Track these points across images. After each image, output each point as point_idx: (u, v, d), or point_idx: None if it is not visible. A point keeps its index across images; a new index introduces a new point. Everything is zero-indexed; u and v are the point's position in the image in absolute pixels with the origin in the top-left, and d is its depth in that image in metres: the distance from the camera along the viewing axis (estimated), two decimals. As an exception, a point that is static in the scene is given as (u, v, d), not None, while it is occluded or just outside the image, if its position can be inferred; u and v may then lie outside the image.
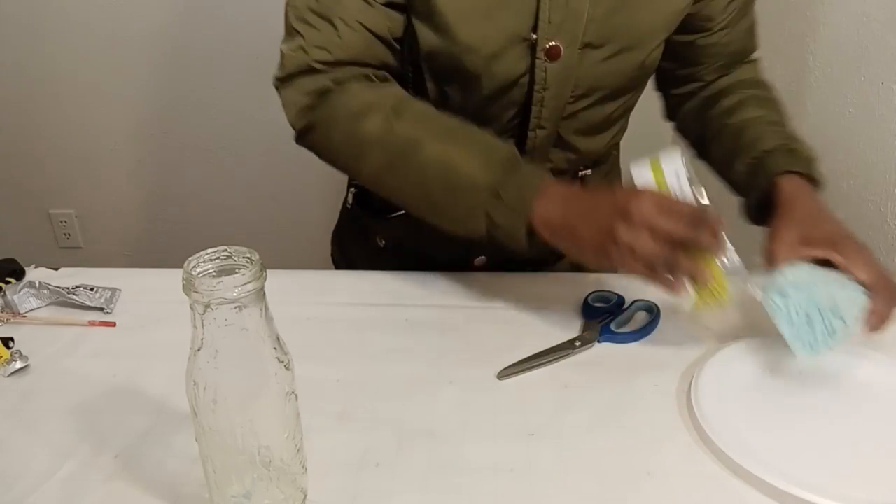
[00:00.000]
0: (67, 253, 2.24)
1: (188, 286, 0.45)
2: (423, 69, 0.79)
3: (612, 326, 0.75)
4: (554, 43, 0.74)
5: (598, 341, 0.74)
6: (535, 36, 0.74)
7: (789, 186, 0.75)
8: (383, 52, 0.77)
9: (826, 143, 1.21)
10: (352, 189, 0.98)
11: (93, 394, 0.68)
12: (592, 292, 0.81)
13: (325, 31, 0.73)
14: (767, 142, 0.79)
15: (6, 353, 0.71)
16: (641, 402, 0.66)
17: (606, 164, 0.94)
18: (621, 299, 0.80)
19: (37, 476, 0.58)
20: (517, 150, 0.71)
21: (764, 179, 0.77)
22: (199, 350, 0.47)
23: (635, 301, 0.79)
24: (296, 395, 0.52)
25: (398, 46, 0.78)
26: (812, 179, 0.77)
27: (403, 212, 0.90)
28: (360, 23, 0.74)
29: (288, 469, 0.53)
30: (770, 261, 0.69)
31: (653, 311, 0.78)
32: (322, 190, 1.98)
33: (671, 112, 0.95)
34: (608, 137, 0.88)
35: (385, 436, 0.62)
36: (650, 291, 0.76)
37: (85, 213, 2.18)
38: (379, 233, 0.94)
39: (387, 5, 0.74)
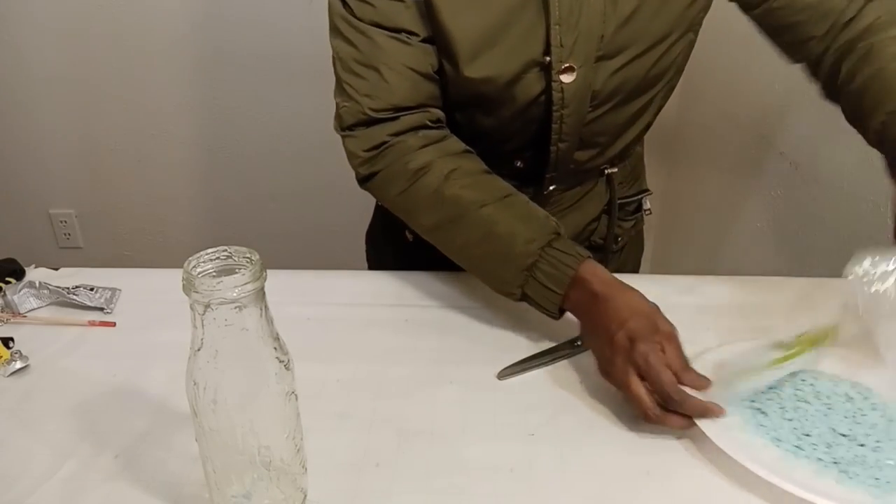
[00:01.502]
0: (67, 253, 2.24)
1: (188, 286, 0.45)
2: (449, 97, 0.81)
3: None
4: (568, 64, 0.75)
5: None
6: (548, 59, 0.75)
7: None
8: (430, 88, 0.78)
9: (826, 143, 1.21)
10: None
11: (93, 394, 0.68)
12: None
13: (371, 80, 0.75)
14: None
15: (6, 353, 0.71)
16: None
17: (631, 160, 0.94)
18: None
19: (37, 476, 0.58)
20: (558, 225, 0.72)
21: (889, 145, 0.71)
22: (199, 350, 0.47)
23: None
24: (296, 395, 0.52)
25: (440, 79, 0.79)
26: None
27: None
28: (404, 64, 0.75)
29: (288, 469, 0.53)
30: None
31: None
32: (322, 190, 1.98)
33: (824, 90, 0.85)
34: (634, 133, 0.88)
35: (385, 436, 0.62)
36: (674, 301, 0.77)
37: (85, 213, 2.18)
38: (407, 228, 0.95)
39: (423, 41, 0.76)
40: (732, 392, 0.63)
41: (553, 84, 0.76)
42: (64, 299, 0.80)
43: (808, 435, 0.60)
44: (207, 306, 0.45)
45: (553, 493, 0.57)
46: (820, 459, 0.57)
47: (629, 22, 0.75)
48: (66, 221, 2.19)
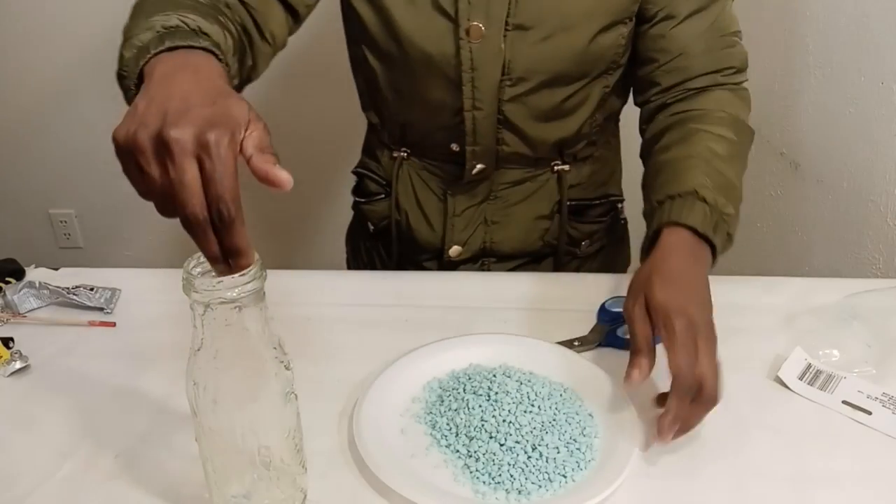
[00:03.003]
0: (67, 253, 2.23)
1: (188, 286, 0.45)
2: (365, 48, 0.82)
3: (619, 332, 0.74)
4: (475, 23, 0.75)
5: (601, 344, 0.73)
6: (455, 13, 0.75)
7: (667, 243, 0.67)
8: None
9: (826, 143, 1.21)
10: (355, 178, 1.00)
11: (93, 394, 0.68)
12: (612, 297, 0.80)
13: None
14: (679, 185, 0.70)
15: (6, 353, 0.71)
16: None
17: (592, 164, 0.91)
18: None
19: (37, 476, 0.58)
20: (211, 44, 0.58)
21: (653, 227, 0.70)
22: (198, 350, 0.47)
23: None
24: (296, 395, 0.52)
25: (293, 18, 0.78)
26: (709, 242, 0.68)
27: (384, 195, 0.94)
28: None
29: (288, 469, 0.53)
30: (628, 321, 0.64)
31: None
32: (321, 190, 1.98)
33: (641, 129, 0.86)
34: (568, 128, 0.85)
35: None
36: None
37: (85, 213, 2.18)
38: (368, 218, 0.97)
39: None
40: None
41: (461, 42, 0.76)
42: (64, 299, 0.80)
43: (456, 426, 0.61)
44: (207, 306, 0.45)
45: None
46: (456, 451, 0.59)
47: None
48: (66, 221, 2.19)
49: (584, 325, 0.77)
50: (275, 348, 0.49)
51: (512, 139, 0.84)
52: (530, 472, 0.57)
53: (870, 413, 0.64)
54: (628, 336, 0.73)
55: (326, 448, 0.61)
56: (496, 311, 0.80)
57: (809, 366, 0.69)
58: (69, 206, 2.17)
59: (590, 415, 0.64)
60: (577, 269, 0.97)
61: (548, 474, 0.57)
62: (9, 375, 0.70)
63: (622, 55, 0.82)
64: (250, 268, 0.46)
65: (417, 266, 0.94)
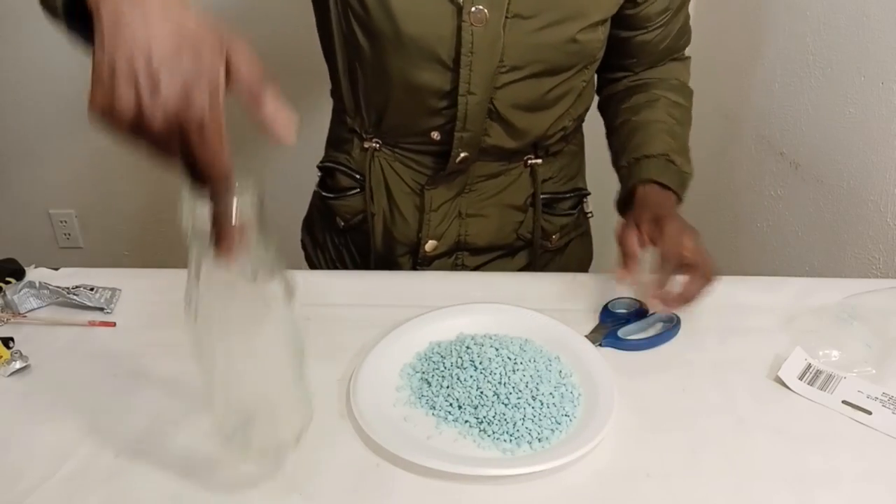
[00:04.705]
0: (67, 253, 2.23)
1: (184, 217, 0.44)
2: (355, 24, 0.80)
3: (620, 333, 0.74)
4: (479, 7, 0.76)
5: (601, 345, 0.74)
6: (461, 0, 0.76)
7: (644, 191, 0.82)
8: None
9: (826, 143, 1.21)
10: (319, 173, 0.99)
11: (93, 394, 0.68)
12: (616, 298, 0.80)
13: None
14: (652, 147, 0.85)
15: (6, 353, 0.71)
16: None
17: (561, 158, 0.94)
18: (644, 308, 0.78)
19: (37, 476, 0.58)
20: None
21: (632, 180, 0.84)
22: (196, 277, 0.47)
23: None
24: (298, 322, 0.52)
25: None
26: (676, 194, 0.83)
27: (358, 190, 0.93)
28: None
29: (289, 395, 0.53)
30: (618, 241, 0.76)
31: (671, 322, 0.76)
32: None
33: (599, 90, 0.99)
34: (548, 120, 0.88)
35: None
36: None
37: (85, 213, 2.18)
38: (338, 213, 0.96)
39: None
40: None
41: (463, 24, 0.76)
42: (64, 299, 0.80)
43: (457, 400, 0.65)
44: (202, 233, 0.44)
45: (553, 494, 0.57)
46: (467, 422, 0.63)
47: None
48: (66, 221, 2.19)
49: (585, 325, 0.77)
50: (275, 273, 0.49)
51: (495, 129, 0.85)
52: (541, 419, 0.62)
53: (870, 413, 0.64)
54: (629, 337, 0.74)
55: (326, 448, 0.61)
56: (496, 311, 0.80)
57: (809, 366, 0.69)
58: (69, 206, 2.17)
59: (557, 357, 0.70)
60: (548, 263, 0.99)
61: (555, 418, 0.63)
62: (9, 375, 0.70)
63: (600, 50, 0.86)
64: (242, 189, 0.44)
65: (391, 261, 0.94)
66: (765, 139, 1.40)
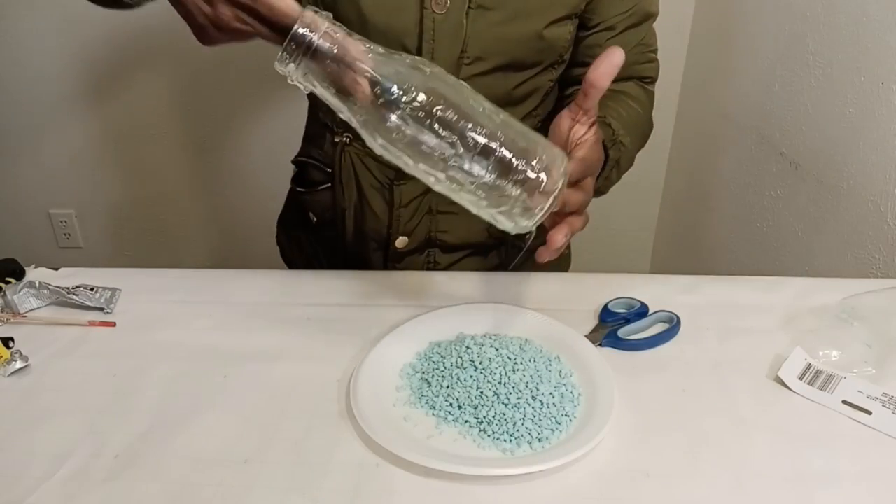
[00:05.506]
0: (67, 253, 2.23)
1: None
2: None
3: (620, 333, 0.74)
4: None
5: (601, 345, 0.74)
6: None
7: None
8: None
9: (826, 143, 1.21)
10: (294, 168, 0.99)
11: (93, 394, 0.68)
12: (616, 298, 0.80)
13: None
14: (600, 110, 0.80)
15: (6, 353, 0.71)
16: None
17: None
18: (644, 308, 0.78)
19: (37, 476, 0.58)
20: None
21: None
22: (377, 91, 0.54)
23: (658, 311, 0.78)
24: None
25: None
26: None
27: (329, 185, 0.93)
28: None
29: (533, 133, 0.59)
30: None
31: (672, 322, 0.76)
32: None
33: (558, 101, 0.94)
34: (516, 118, 0.87)
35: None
36: (675, 301, 0.77)
37: (85, 213, 2.18)
38: (310, 208, 0.96)
39: None
40: None
41: (425, 12, 0.76)
42: (64, 299, 0.80)
43: (457, 400, 0.65)
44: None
45: (553, 494, 0.57)
46: (467, 422, 0.63)
47: None
48: (66, 221, 2.19)
49: (585, 325, 0.77)
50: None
51: None
52: (541, 419, 0.62)
53: (870, 413, 0.64)
54: (629, 337, 0.74)
55: (326, 448, 0.61)
56: (496, 311, 0.80)
57: (809, 366, 0.69)
58: (69, 206, 2.18)
59: (557, 357, 0.70)
60: (524, 263, 0.98)
61: (555, 418, 0.63)
62: (9, 375, 0.70)
63: (567, 50, 0.85)
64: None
65: (363, 257, 0.94)
66: (765, 139, 1.40)
